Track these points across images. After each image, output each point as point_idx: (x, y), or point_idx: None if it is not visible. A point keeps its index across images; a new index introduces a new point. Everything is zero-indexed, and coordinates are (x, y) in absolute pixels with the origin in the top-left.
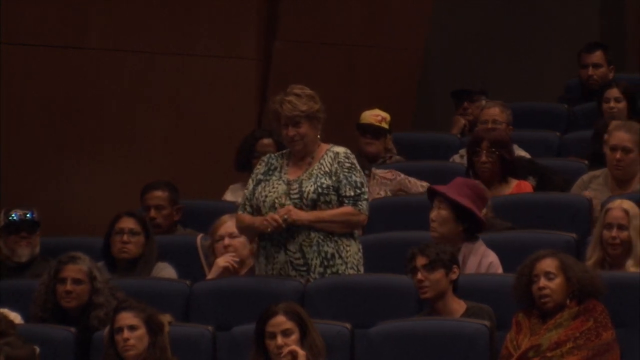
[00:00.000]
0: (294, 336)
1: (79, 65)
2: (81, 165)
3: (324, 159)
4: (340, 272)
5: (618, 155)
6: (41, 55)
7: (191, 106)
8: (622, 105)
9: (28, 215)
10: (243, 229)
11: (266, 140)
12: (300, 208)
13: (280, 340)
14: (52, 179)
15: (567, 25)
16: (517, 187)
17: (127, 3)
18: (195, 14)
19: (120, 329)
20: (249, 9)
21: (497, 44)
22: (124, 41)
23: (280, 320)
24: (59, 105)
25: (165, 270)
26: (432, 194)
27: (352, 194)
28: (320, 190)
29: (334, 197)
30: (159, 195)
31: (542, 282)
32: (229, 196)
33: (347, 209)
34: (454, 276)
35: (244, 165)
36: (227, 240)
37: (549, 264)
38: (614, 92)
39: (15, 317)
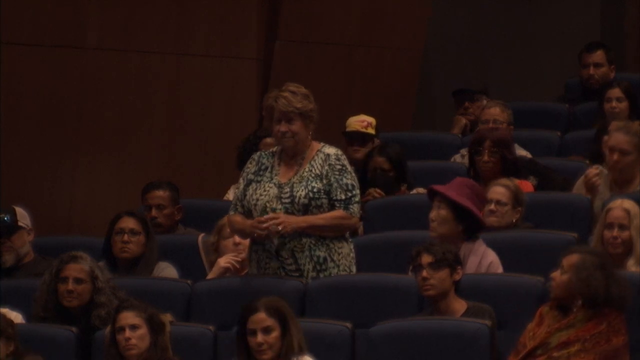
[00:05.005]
0: (275, 333)
1: (78, 65)
2: (80, 165)
3: (315, 160)
4: (332, 275)
5: (615, 157)
6: (40, 55)
7: (191, 106)
8: (624, 105)
9: (5, 219)
10: (235, 231)
11: (269, 140)
12: (292, 213)
13: (260, 338)
14: (51, 179)
15: (567, 25)
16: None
17: (126, 3)
18: (195, 14)
19: (122, 329)
20: (249, 8)
21: (497, 44)
22: (123, 41)
23: (261, 318)
24: (58, 105)
25: (167, 270)
26: (432, 193)
27: (343, 197)
28: (311, 195)
29: (325, 201)
30: (160, 194)
31: (554, 273)
32: (231, 195)
33: (338, 213)
34: (457, 277)
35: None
36: (237, 239)
37: (569, 258)
38: (616, 92)
39: (17, 317)
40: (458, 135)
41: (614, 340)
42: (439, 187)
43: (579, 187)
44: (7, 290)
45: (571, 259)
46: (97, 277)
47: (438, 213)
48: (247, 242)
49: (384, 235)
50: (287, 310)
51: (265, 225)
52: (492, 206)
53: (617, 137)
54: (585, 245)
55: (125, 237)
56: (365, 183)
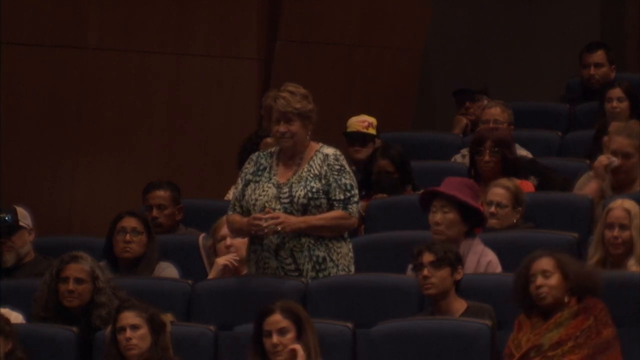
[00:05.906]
0: (290, 335)
1: (78, 65)
2: (80, 165)
3: (314, 161)
4: (332, 275)
5: (619, 160)
6: (40, 55)
7: (191, 106)
8: (625, 105)
9: (5, 219)
10: (234, 231)
11: (269, 140)
12: (291, 212)
13: (275, 339)
14: (51, 179)
15: (567, 25)
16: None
17: (126, 3)
18: (195, 14)
19: (123, 329)
20: (249, 8)
21: (497, 44)
22: (123, 41)
23: (277, 319)
24: (58, 105)
25: (168, 270)
26: (430, 195)
27: (342, 197)
28: (310, 195)
29: (324, 201)
30: (161, 194)
31: (539, 280)
32: (231, 195)
33: (337, 213)
34: (458, 276)
35: None
36: (229, 241)
37: (545, 263)
38: (617, 92)
39: (17, 317)
40: (458, 135)
41: (604, 333)
42: (445, 190)
43: (579, 186)
44: (7, 290)
45: (548, 262)
46: (98, 277)
47: (444, 216)
48: (238, 243)
49: (384, 235)
50: (303, 314)
51: (265, 224)
52: (493, 209)
53: (619, 140)
54: (553, 249)
55: (127, 237)
56: (369, 186)
